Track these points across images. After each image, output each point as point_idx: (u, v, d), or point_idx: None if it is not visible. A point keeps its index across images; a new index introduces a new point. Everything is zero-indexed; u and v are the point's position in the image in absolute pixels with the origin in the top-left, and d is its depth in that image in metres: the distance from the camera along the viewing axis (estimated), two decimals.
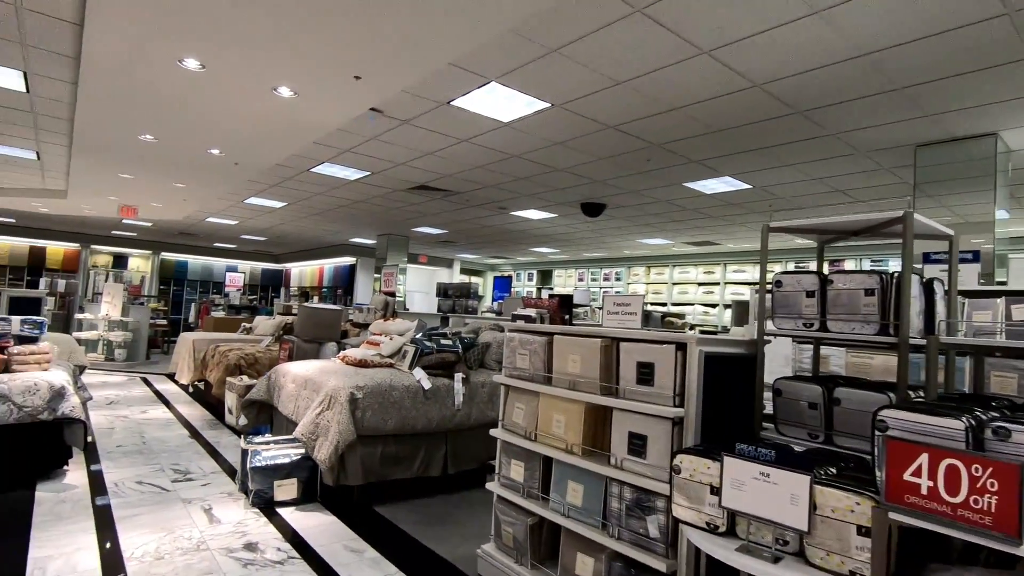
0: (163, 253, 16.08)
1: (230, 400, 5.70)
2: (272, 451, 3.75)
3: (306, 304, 6.89)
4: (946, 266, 4.05)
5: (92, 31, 3.32)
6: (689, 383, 2.14)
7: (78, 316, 11.00)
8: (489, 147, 5.32)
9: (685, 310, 12.02)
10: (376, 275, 12.09)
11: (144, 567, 2.76)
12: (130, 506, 3.54)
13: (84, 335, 10.13)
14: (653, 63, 3.43)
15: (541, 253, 13.93)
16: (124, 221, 11.67)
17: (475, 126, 4.74)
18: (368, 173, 6.58)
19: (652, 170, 5.77)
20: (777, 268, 10.05)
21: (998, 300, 2.18)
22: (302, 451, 3.77)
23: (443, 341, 4.40)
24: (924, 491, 1.32)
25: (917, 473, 1.33)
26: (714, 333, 9.20)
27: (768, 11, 2.82)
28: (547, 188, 6.84)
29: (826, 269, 2.35)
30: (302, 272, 17.28)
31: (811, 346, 3.36)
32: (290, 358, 5.75)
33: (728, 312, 11.39)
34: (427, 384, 4.03)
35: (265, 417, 4.83)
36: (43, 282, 13.44)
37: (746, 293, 11.05)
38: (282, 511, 3.58)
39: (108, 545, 2.98)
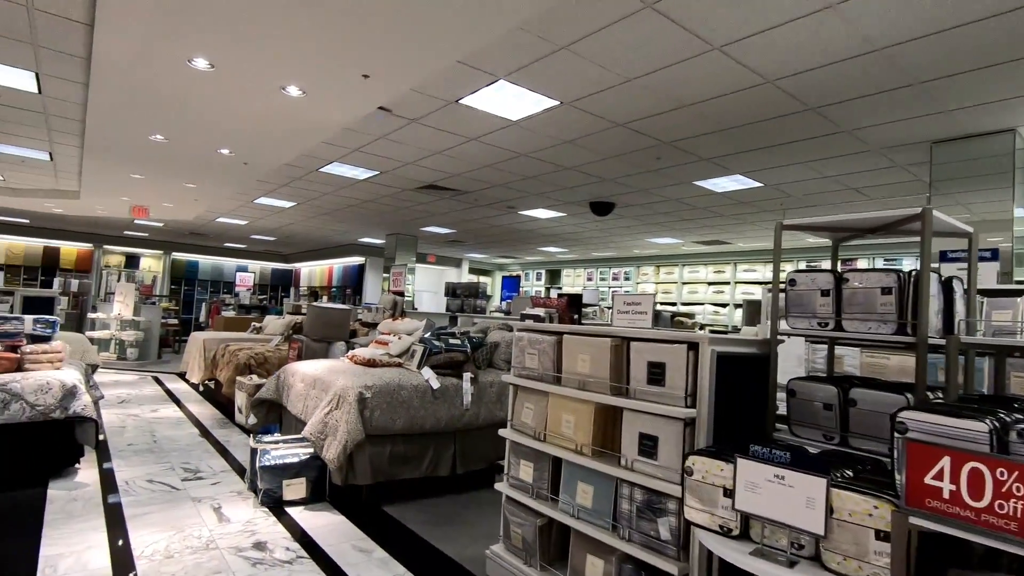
0: (174, 253, 16.22)
1: (240, 399, 5.73)
2: (281, 450, 3.75)
3: (315, 304, 6.90)
4: (963, 265, 3.98)
5: (102, 31, 3.33)
6: (701, 383, 2.10)
7: (91, 315, 11.11)
8: (498, 146, 5.30)
9: (695, 310, 11.95)
10: (385, 275, 12.11)
11: (154, 566, 2.77)
12: (140, 504, 3.55)
13: (97, 334, 10.23)
14: (663, 59, 3.39)
15: (549, 252, 13.89)
16: (136, 221, 11.77)
17: (483, 125, 4.72)
18: (377, 172, 6.58)
19: (662, 168, 5.73)
20: (788, 267, 9.96)
21: (1018, 299, 2.13)
22: (311, 450, 3.76)
23: (452, 340, 4.38)
24: (946, 495, 1.28)
25: (939, 476, 1.29)
26: (724, 333, 9.13)
27: (781, 6, 2.77)
28: (556, 187, 6.81)
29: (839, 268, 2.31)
30: (312, 272, 17.36)
31: (824, 346, 3.31)
32: (299, 357, 5.76)
33: (738, 312, 11.30)
34: (435, 384, 4.02)
35: (274, 416, 4.84)
36: (57, 282, 13.59)
37: (757, 293, 10.95)
38: (291, 510, 3.58)
39: (119, 544, 2.99)
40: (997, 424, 1.32)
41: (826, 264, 9.66)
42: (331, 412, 3.71)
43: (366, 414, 3.68)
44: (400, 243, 11.69)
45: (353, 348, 5.38)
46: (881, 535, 1.44)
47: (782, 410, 2.26)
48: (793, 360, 3.34)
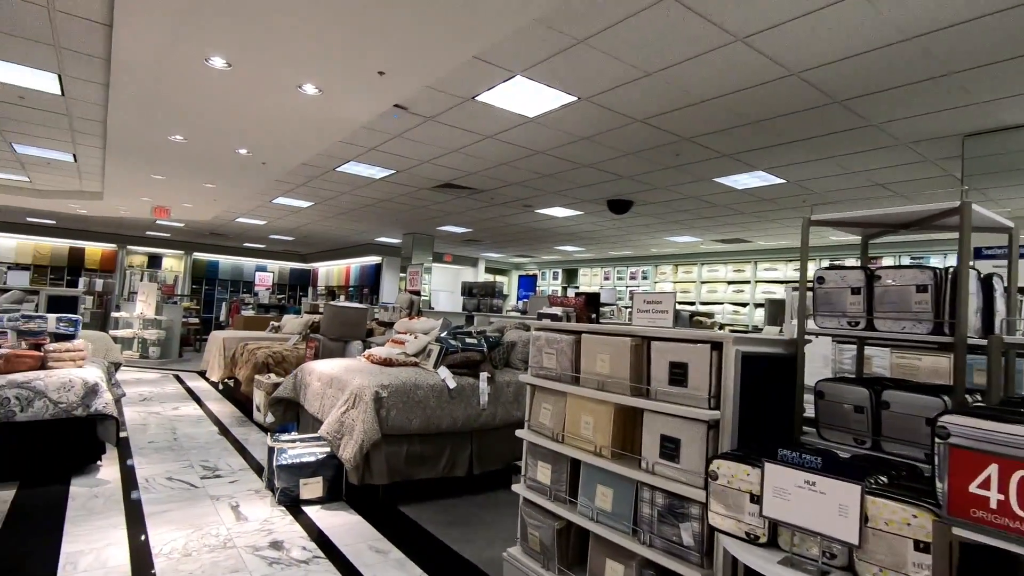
0: (195, 253, 16.46)
1: (258, 397, 5.76)
2: (298, 449, 3.75)
3: (332, 303, 6.93)
4: (1000, 262, 3.84)
5: (120, 31, 3.35)
6: (725, 384, 2.03)
7: (114, 315, 11.31)
8: (514, 143, 5.25)
9: (714, 309, 11.78)
10: (402, 274, 12.14)
11: (172, 564, 2.77)
12: (160, 502, 3.57)
13: (120, 333, 10.40)
14: (684, 52, 3.31)
15: (566, 251, 13.81)
16: (158, 222, 11.96)
17: (500, 122, 4.68)
18: (393, 171, 6.58)
19: (681, 165, 5.63)
20: (811, 266, 9.65)
21: None
22: (327, 449, 3.76)
23: (468, 340, 4.35)
24: (993, 505, 1.20)
25: (985, 485, 1.21)
26: (745, 332, 8.98)
27: None
28: (573, 185, 6.74)
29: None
30: (329, 271, 17.49)
31: (851, 346, 3.21)
32: (316, 356, 5.78)
33: (759, 311, 11.11)
34: (452, 383, 3.99)
35: (292, 415, 4.85)
36: (82, 282, 13.87)
37: (778, 292, 10.75)
38: (308, 509, 3.58)
39: (138, 541, 3.01)
40: None
41: (849, 262, 9.45)
42: (347, 411, 3.69)
43: (382, 413, 3.66)
44: (417, 242, 11.71)
45: (370, 347, 5.38)
46: (920, 546, 1.36)
47: (809, 412, 2.18)
48: (819, 361, 3.24)
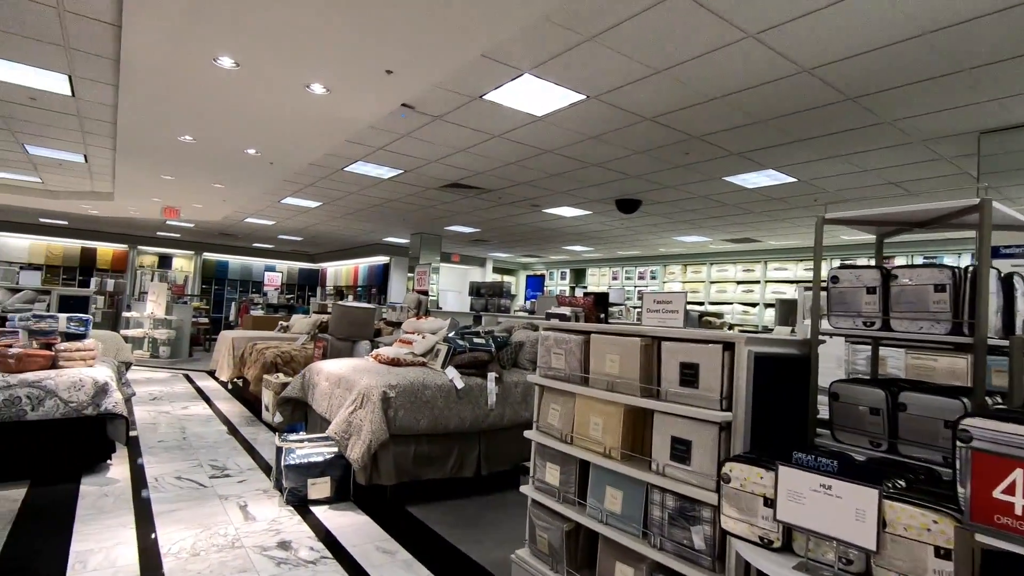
0: (205, 253, 16.57)
1: (266, 397, 5.77)
2: (306, 449, 3.75)
3: (339, 302, 6.94)
4: (1020, 260, 3.77)
5: (129, 31, 3.36)
6: (737, 385, 2.00)
7: (125, 314, 11.40)
8: (522, 142, 5.22)
9: (723, 309, 11.69)
10: (409, 274, 12.16)
11: (180, 564, 2.77)
12: (168, 501, 3.58)
13: (131, 333, 10.48)
14: (695, 49, 3.27)
15: (574, 251, 13.76)
16: (168, 222, 12.04)
17: (508, 121, 4.66)
18: (401, 171, 6.57)
19: (690, 164, 5.58)
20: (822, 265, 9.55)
21: None
22: (335, 449, 3.75)
23: (476, 340, 4.33)
24: (1018, 511, 1.16)
25: (1010, 490, 1.17)
26: (755, 332, 8.90)
27: None
28: (581, 184, 6.71)
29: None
30: (337, 272, 17.55)
31: (865, 346, 3.16)
32: (324, 356, 5.79)
33: (768, 311, 11.02)
34: (460, 383, 3.97)
35: (300, 415, 4.85)
36: (94, 282, 13.98)
37: (788, 291, 10.66)
38: (316, 509, 3.57)
39: (147, 541, 3.01)
40: None
41: (860, 262, 9.35)
42: (355, 411, 3.69)
43: (390, 414, 3.64)
44: (424, 242, 11.71)
45: (377, 347, 5.38)
46: (941, 552, 1.33)
47: (822, 414, 2.14)
48: (832, 361, 3.19)
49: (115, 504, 3.48)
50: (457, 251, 14.79)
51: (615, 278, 14.61)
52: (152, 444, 4.88)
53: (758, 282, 11.39)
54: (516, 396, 4.21)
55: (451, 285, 14.82)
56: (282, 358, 6.31)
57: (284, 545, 3.04)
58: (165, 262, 16.02)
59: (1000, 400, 1.88)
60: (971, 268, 1.74)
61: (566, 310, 3.04)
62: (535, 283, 17.71)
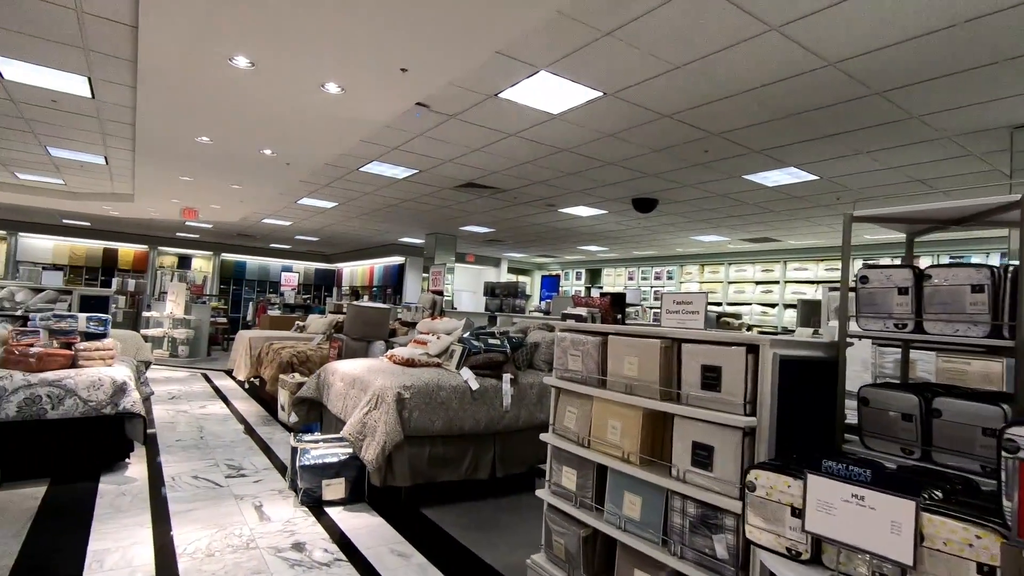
0: (223, 254, 16.77)
1: (282, 397, 5.79)
2: (321, 450, 3.74)
3: (354, 303, 6.95)
4: None
5: (146, 32, 3.38)
6: (762, 389, 1.93)
7: (145, 314, 11.56)
8: (538, 141, 5.17)
9: (742, 310, 11.52)
10: (424, 274, 12.17)
11: (195, 564, 2.77)
12: (185, 501, 3.59)
13: (151, 332, 10.63)
14: (715, 43, 3.19)
15: (590, 251, 13.67)
16: (187, 223, 12.19)
17: (523, 119, 4.61)
18: (416, 171, 6.56)
19: (709, 162, 5.48)
20: (839, 265, 9.32)
21: None
22: (350, 450, 3.73)
23: (491, 340, 4.28)
24: None
25: None
26: (775, 334, 8.74)
27: None
28: (597, 183, 6.63)
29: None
30: (353, 272, 17.65)
31: (892, 349, 3.05)
32: (339, 356, 5.79)
33: (788, 312, 10.83)
34: (475, 384, 3.93)
35: (315, 415, 4.85)
36: (115, 282, 14.22)
37: (808, 292, 10.47)
38: (330, 510, 3.56)
39: (163, 541, 3.02)
40: None
41: (883, 261, 9.13)
42: (370, 412, 3.66)
43: (405, 415, 3.62)
44: (439, 242, 11.71)
45: (392, 347, 5.36)
46: (985, 569, 1.25)
47: (851, 419, 2.06)
48: (858, 364, 3.09)
49: (132, 503, 3.50)
50: (472, 251, 14.78)
51: (631, 278, 14.48)
52: (170, 443, 4.92)
53: (777, 282, 11.20)
54: (531, 398, 4.16)
55: (466, 285, 14.81)
56: (298, 358, 6.33)
57: (298, 547, 3.02)
58: (184, 262, 16.24)
59: None
60: (1011, 268, 1.66)
61: (582, 311, 2.99)
62: (550, 283, 17.64)
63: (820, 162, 5.27)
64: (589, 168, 5.97)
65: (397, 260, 14.97)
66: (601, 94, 3.99)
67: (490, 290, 7.32)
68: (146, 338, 9.01)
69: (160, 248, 15.81)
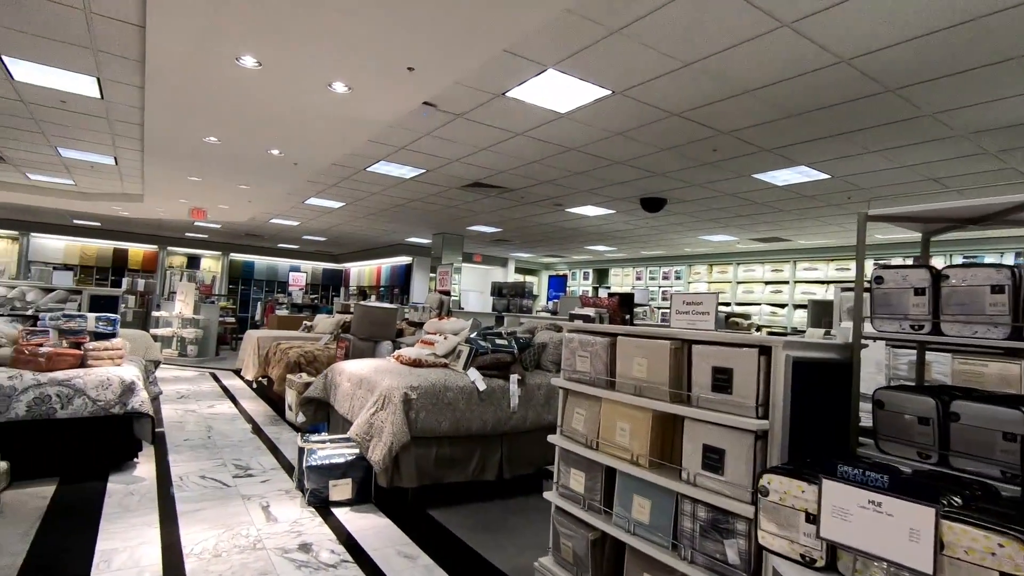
0: (232, 254, 16.86)
1: (290, 397, 5.80)
2: (328, 450, 3.73)
3: (361, 303, 6.95)
4: None
5: (153, 32, 3.38)
6: (775, 392, 1.89)
7: (155, 314, 11.63)
8: (545, 140, 5.14)
9: (751, 310, 11.43)
10: (431, 274, 12.16)
11: (202, 564, 2.76)
12: (192, 500, 3.59)
13: (160, 332, 10.69)
14: (725, 40, 3.15)
15: (597, 251, 13.61)
16: (195, 223, 12.26)
17: (531, 118, 4.58)
18: (423, 171, 6.55)
19: (718, 161, 5.43)
20: (850, 265, 9.22)
21: None
22: (357, 451, 3.72)
23: (498, 341, 4.26)
24: None
25: None
26: (784, 334, 8.66)
27: None
28: (605, 183, 6.59)
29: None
30: (360, 272, 17.68)
31: (907, 351, 3.00)
32: (347, 356, 5.79)
33: (798, 312, 10.73)
34: (482, 385, 3.91)
35: (323, 415, 4.85)
36: (125, 281, 14.31)
37: (818, 292, 10.37)
38: (337, 511, 3.55)
39: (170, 540, 3.01)
40: None
41: (895, 262, 9.03)
42: (377, 413, 3.65)
43: (411, 415, 3.60)
44: (446, 242, 11.70)
45: (399, 347, 5.35)
46: None
47: (866, 422, 2.02)
48: (872, 366, 3.03)
49: (140, 503, 3.51)
50: (479, 251, 14.76)
51: (639, 278, 14.41)
52: (178, 442, 4.93)
53: (787, 282, 11.10)
54: (539, 398, 4.13)
55: (473, 285, 14.79)
56: (305, 358, 6.34)
57: (305, 547, 3.01)
58: (193, 262, 16.34)
59: None
60: None
61: (590, 311, 2.96)
62: (557, 283, 17.59)
63: (831, 161, 5.20)
64: (597, 167, 5.94)
65: (404, 260, 14.98)
66: (609, 92, 3.96)
67: (497, 290, 7.30)
68: (155, 338, 9.06)
69: (169, 248, 15.92)
